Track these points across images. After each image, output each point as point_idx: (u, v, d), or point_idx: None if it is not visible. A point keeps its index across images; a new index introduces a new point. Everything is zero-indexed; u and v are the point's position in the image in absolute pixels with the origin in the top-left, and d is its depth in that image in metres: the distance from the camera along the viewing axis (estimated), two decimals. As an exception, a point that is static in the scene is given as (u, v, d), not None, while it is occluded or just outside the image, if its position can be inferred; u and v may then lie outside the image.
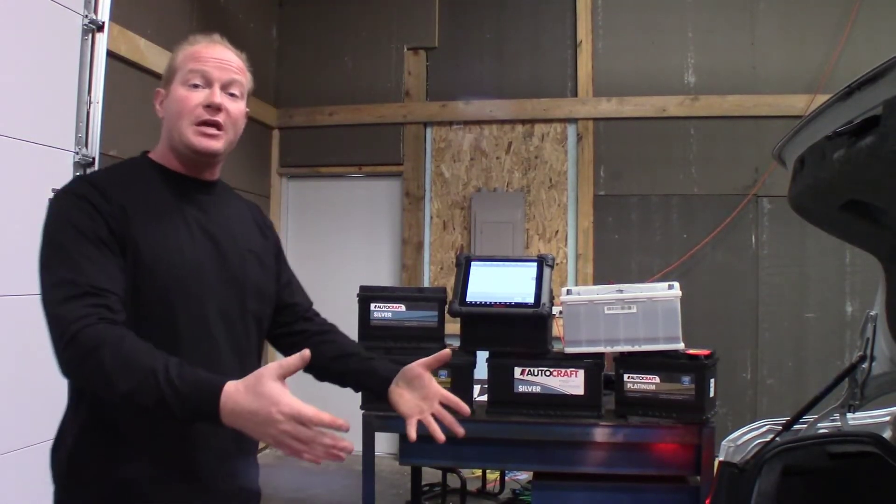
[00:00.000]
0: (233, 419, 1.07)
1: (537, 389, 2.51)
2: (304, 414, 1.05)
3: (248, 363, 1.36)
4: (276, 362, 1.10)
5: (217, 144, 1.35)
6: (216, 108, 1.33)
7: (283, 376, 1.08)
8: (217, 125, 1.34)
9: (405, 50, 5.11)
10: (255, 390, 1.07)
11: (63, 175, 2.58)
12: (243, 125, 1.43)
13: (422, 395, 1.41)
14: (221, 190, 1.47)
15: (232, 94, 1.37)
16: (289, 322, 1.55)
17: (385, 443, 4.46)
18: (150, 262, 1.24)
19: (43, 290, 1.18)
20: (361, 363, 1.50)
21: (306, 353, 1.11)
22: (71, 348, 1.11)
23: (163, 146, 1.39)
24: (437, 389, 1.42)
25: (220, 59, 1.37)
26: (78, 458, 1.25)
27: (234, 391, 1.08)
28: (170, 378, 1.08)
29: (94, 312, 1.12)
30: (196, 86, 1.34)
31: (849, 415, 1.86)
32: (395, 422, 2.61)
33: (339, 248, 5.08)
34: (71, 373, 1.16)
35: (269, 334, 1.54)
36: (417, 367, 1.42)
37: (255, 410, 1.06)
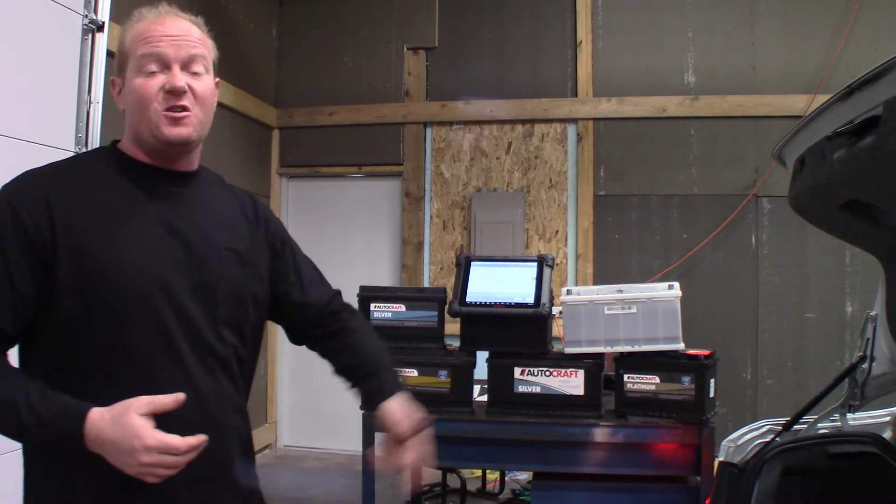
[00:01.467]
0: (96, 446, 1.06)
1: (537, 389, 2.51)
2: (171, 444, 1.06)
3: (227, 379, 1.24)
4: (149, 398, 1.08)
5: (187, 131, 1.20)
6: (179, 92, 1.19)
7: (150, 413, 1.07)
8: (184, 109, 1.20)
9: (405, 50, 5.11)
10: (120, 421, 1.05)
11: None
12: (215, 102, 1.28)
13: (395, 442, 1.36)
14: (202, 181, 1.32)
15: (195, 73, 1.22)
16: (306, 324, 1.44)
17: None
18: (96, 270, 1.13)
19: None
20: (359, 380, 1.41)
21: (180, 396, 1.10)
22: None
23: (128, 139, 1.26)
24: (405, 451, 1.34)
25: (174, 34, 1.20)
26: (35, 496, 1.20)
27: (98, 419, 1.06)
28: (31, 406, 1.06)
29: None
30: (152, 72, 1.19)
31: (849, 415, 1.86)
32: (395, 422, 2.63)
33: (339, 249, 5.08)
34: None
35: (294, 337, 1.46)
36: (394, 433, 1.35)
37: (116, 441, 1.05)
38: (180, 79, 1.19)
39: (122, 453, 1.05)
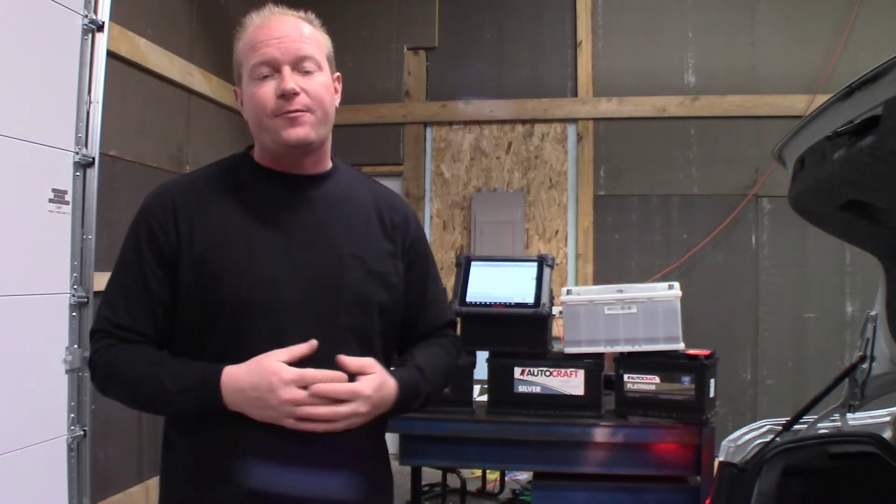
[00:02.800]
0: (234, 397, 1.11)
1: (537, 389, 2.50)
2: (306, 375, 1.09)
3: None
4: (285, 349, 1.13)
5: (304, 130, 1.20)
6: (291, 95, 1.18)
7: (288, 360, 1.11)
8: (296, 111, 1.19)
9: (405, 50, 5.11)
10: (257, 366, 1.11)
11: (63, 175, 2.59)
12: (334, 99, 1.27)
13: None
14: (335, 182, 1.30)
15: (306, 72, 1.21)
16: (408, 341, 1.37)
17: (385, 443, 4.46)
18: (214, 276, 1.17)
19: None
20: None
21: (313, 342, 1.14)
22: (95, 375, 1.23)
23: (256, 145, 1.28)
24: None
25: (280, 36, 1.20)
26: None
27: (234, 369, 1.12)
28: (173, 373, 1.14)
29: (112, 344, 1.20)
30: (264, 77, 1.19)
31: (849, 415, 1.86)
32: (394, 422, 2.63)
33: (339, 248, 5.08)
34: (103, 393, 1.25)
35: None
36: None
37: (255, 384, 1.10)
38: (290, 81, 1.18)
39: (260, 394, 1.09)
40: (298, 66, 1.20)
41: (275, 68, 1.19)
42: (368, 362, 1.18)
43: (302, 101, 1.19)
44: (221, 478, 1.16)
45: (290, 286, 1.18)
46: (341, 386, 1.12)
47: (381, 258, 1.28)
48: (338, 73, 1.31)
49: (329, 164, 1.32)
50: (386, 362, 1.28)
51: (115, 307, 1.21)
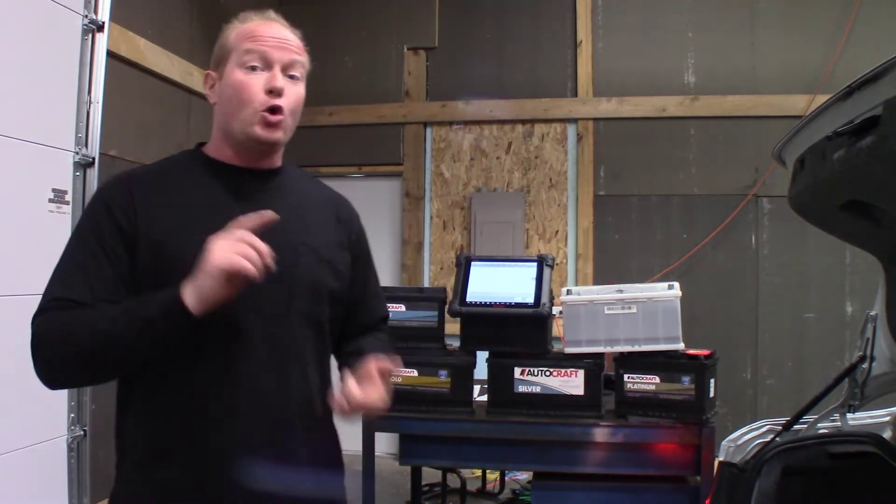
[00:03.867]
0: (195, 286, 1.09)
1: (537, 389, 2.51)
2: (258, 243, 1.09)
3: (298, 368, 1.25)
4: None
5: (278, 134, 1.26)
6: (279, 92, 1.23)
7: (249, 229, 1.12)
8: (280, 110, 1.24)
9: (405, 50, 5.11)
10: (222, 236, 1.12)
11: (63, 175, 2.59)
12: (301, 110, 1.32)
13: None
14: (286, 178, 1.36)
15: (292, 76, 1.27)
16: (347, 334, 1.42)
17: (385, 443, 4.46)
18: (169, 260, 1.18)
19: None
20: (347, 357, 1.38)
21: (271, 213, 1.15)
22: (39, 348, 1.20)
23: (216, 135, 1.30)
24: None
25: (279, 38, 1.27)
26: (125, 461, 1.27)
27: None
28: (131, 308, 1.13)
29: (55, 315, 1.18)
30: (254, 68, 1.24)
31: (849, 415, 1.86)
32: (395, 422, 2.63)
33: (339, 248, 5.08)
34: (42, 369, 1.21)
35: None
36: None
37: (219, 241, 1.10)
38: (280, 80, 1.24)
39: (222, 243, 1.09)
40: (288, 69, 1.27)
41: (267, 64, 1.24)
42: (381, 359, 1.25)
43: (285, 101, 1.25)
44: (183, 461, 1.18)
45: None
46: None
47: (331, 247, 1.35)
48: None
49: (279, 163, 1.37)
50: (333, 349, 1.38)
51: (69, 284, 1.18)
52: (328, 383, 1.34)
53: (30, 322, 1.20)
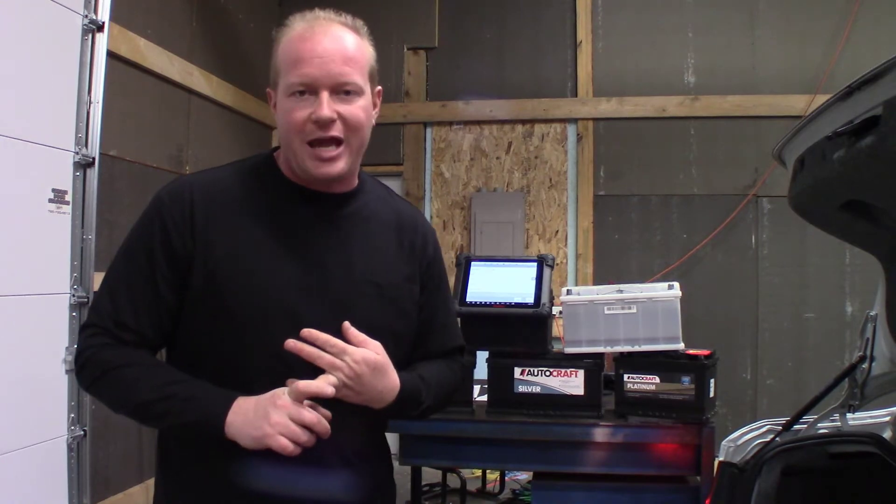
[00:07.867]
0: (236, 417, 1.08)
1: (537, 389, 2.50)
2: (302, 414, 1.06)
3: (349, 416, 1.14)
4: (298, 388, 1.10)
5: (336, 168, 1.15)
6: (325, 123, 1.12)
7: (298, 397, 1.08)
8: (335, 141, 1.14)
9: (405, 50, 5.11)
10: (266, 395, 1.09)
11: (63, 175, 2.59)
12: (371, 122, 1.22)
13: None
14: (360, 202, 1.25)
15: (347, 93, 1.15)
16: (414, 360, 1.30)
17: (385, 443, 4.46)
18: (225, 292, 1.13)
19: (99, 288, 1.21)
20: None
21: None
22: (83, 371, 1.16)
23: (283, 154, 1.21)
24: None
25: (323, 55, 1.13)
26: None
27: (247, 398, 1.10)
28: (185, 383, 1.12)
29: (107, 343, 1.15)
30: (300, 94, 1.13)
31: (849, 415, 1.86)
32: (394, 422, 2.63)
33: (339, 248, 5.08)
34: (86, 389, 1.21)
35: None
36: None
37: (258, 403, 1.08)
38: (326, 108, 1.12)
39: (256, 414, 1.07)
40: (339, 88, 1.15)
41: (312, 90, 1.13)
42: (373, 342, 1.14)
43: (337, 128, 1.14)
44: (223, 481, 1.14)
45: (300, 308, 1.15)
46: (331, 340, 1.11)
47: (398, 284, 1.25)
48: (379, 87, 1.26)
49: (355, 182, 1.26)
50: None
51: (117, 303, 1.15)
52: (385, 426, 1.32)
53: (79, 328, 1.25)
